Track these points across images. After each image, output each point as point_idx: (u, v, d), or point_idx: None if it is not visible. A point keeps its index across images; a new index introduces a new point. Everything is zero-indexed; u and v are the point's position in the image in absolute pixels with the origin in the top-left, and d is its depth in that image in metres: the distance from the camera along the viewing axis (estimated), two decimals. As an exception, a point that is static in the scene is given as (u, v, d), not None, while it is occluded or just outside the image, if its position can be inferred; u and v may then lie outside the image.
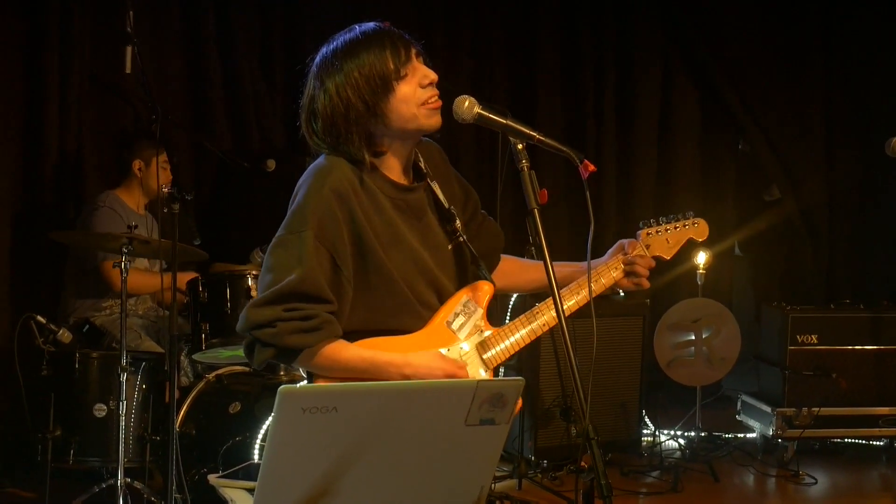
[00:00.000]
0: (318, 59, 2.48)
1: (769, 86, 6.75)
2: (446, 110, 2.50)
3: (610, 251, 2.84)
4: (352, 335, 2.45)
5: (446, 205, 2.63)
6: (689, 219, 2.92)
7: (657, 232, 2.85)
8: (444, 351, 2.53)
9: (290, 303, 2.34)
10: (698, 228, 2.94)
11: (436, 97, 2.48)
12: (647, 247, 2.82)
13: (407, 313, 2.50)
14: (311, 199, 2.39)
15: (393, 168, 2.52)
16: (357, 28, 2.49)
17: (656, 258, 2.85)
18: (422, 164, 2.61)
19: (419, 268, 2.51)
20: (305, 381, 2.57)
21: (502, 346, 2.62)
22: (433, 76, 2.48)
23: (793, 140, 6.78)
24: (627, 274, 2.78)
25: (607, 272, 2.78)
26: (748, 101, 6.69)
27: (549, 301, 2.65)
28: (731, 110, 6.73)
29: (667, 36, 6.80)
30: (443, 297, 2.56)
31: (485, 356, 2.59)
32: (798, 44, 6.78)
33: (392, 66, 2.42)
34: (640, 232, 2.83)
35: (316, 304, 2.36)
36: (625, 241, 2.83)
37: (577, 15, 6.69)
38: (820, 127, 6.83)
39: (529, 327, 2.64)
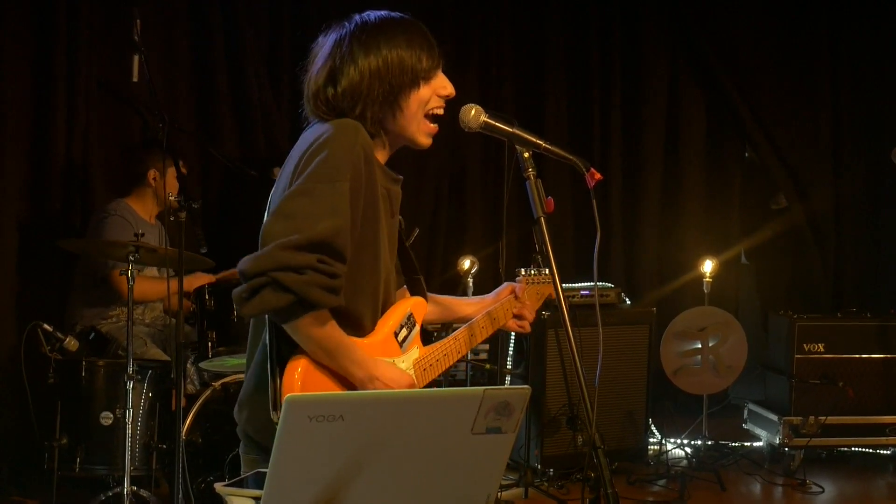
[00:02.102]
0: (350, 27, 2.39)
1: (777, 93, 6.75)
2: (451, 119, 2.49)
3: (497, 291, 2.88)
4: None
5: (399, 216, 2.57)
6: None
7: (534, 282, 2.93)
8: (389, 362, 2.43)
9: (322, 254, 2.17)
10: (549, 286, 2.98)
11: (442, 108, 2.44)
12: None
13: (370, 304, 2.39)
14: (345, 151, 2.25)
15: (382, 158, 2.46)
16: (395, 13, 2.44)
17: None
18: None
19: (386, 262, 2.42)
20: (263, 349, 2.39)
21: (433, 364, 2.57)
22: (451, 89, 2.45)
23: (800, 147, 6.77)
24: (515, 316, 2.85)
25: (504, 313, 2.83)
26: (755, 109, 6.68)
27: (467, 327, 2.71)
28: (739, 118, 6.73)
29: (674, 43, 6.80)
30: (386, 301, 2.46)
31: (419, 374, 2.52)
32: (806, 51, 6.78)
33: (425, 65, 2.39)
34: (520, 278, 2.91)
35: (340, 263, 2.21)
36: (513, 284, 2.88)
37: (585, 22, 6.70)
38: (827, 134, 6.83)
39: (455, 349, 2.65)
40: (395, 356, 2.45)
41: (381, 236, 2.36)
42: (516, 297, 2.85)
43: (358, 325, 2.37)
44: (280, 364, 2.28)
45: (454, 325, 2.83)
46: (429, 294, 2.70)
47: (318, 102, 2.38)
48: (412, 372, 2.49)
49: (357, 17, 2.42)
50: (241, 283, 2.20)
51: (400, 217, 2.56)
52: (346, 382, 2.32)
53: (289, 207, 2.19)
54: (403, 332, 2.48)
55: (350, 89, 2.35)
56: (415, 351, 2.52)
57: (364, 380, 2.30)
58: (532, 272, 2.95)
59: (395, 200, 2.48)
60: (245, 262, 2.18)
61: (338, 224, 2.19)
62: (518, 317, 2.85)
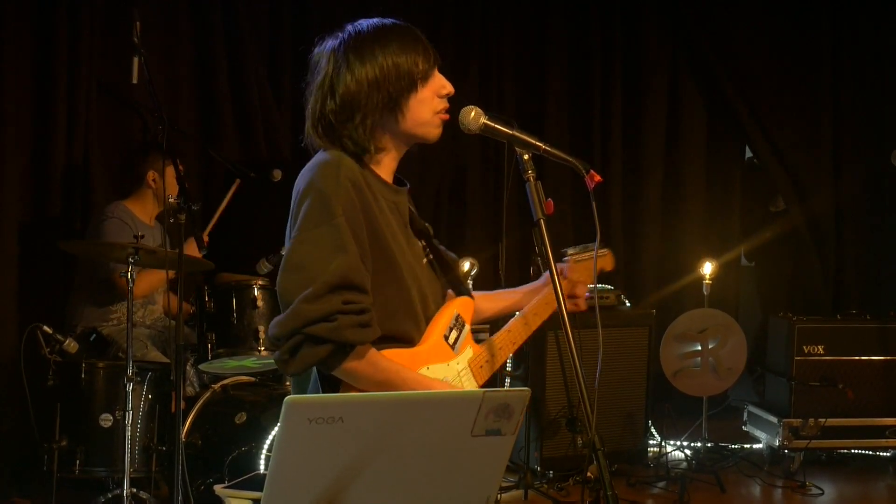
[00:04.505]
0: (343, 38, 2.41)
1: (777, 94, 6.74)
2: (451, 122, 2.50)
3: (545, 275, 2.85)
4: None
5: (421, 221, 2.59)
6: (600, 248, 2.90)
7: (582, 259, 2.88)
8: (444, 366, 2.49)
9: (344, 293, 2.22)
10: (607, 259, 3.01)
11: (446, 109, 2.46)
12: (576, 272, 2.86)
13: (409, 318, 2.43)
14: (331, 189, 2.28)
15: (385, 169, 2.47)
16: (387, 20, 2.46)
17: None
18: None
19: (412, 274, 2.45)
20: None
21: (489, 360, 2.60)
22: (450, 88, 2.46)
23: (800, 149, 6.76)
24: (569, 296, 2.79)
25: (552, 297, 2.73)
26: (755, 110, 6.68)
27: (521, 316, 2.72)
28: (739, 118, 6.73)
29: (675, 45, 6.80)
30: (426, 309, 2.49)
31: (476, 372, 2.57)
32: (807, 51, 6.77)
33: (421, 67, 2.40)
34: (568, 258, 2.87)
35: (364, 295, 2.26)
36: (561, 265, 2.83)
37: (586, 22, 6.69)
38: (828, 137, 6.82)
39: (510, 341, 2.67)
40: (449, 359, 2.51)
41: (394, 252, 2.38)
42: (564, 278, 2.79)
43: (405, 340, 2.43)
44: None
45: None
46: (475, 292, 2.74)
47: (320, 122, 2.41)
48: (468, 371, 2.54)
49: (350, 26, 2.44)
50: (275, 349, 2.27)
51: (426, 224, 2.60)
52: None
53: (296, 259, 2.26)
54: (453, 333, 2.52)
55: (349, 100, 2.37)
56: (468, 350, 2.57)
57: None
58: (577, 249, 2.89)
59: (404, 211, 2.51)
60: (275, 327, 2.25)
61: (348, 259, 2.24)
62: (571, 296, 2.79)
